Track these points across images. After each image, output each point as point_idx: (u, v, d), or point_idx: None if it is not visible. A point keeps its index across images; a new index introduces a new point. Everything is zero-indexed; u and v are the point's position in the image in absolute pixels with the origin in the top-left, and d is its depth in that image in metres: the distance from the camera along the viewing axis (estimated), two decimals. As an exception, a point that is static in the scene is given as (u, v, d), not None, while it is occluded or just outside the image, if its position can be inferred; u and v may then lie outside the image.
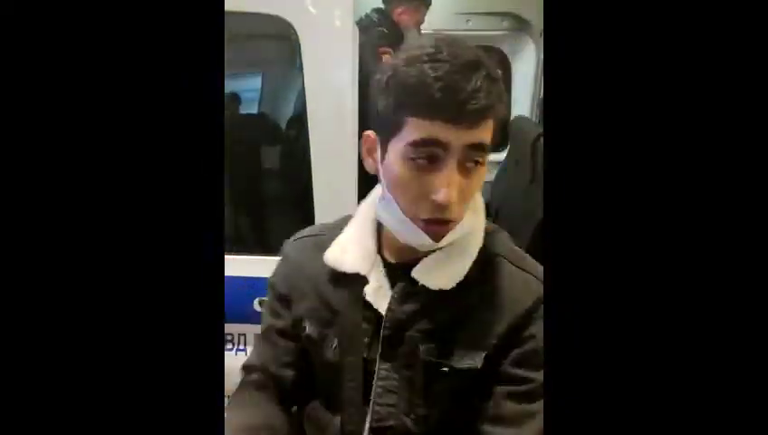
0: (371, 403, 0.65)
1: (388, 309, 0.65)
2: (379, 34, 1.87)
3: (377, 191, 0.68)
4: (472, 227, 0.65)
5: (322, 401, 0.71)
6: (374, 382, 0.65)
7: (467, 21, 2.60)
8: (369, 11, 1.98)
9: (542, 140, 2.14)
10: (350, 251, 0.67)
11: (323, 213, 1.19)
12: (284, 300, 0.72)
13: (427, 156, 0.56)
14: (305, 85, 1.16)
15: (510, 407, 0.62)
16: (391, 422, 0.65)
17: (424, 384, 0.65)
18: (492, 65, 0.57)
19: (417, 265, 0.64)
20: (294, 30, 1.14)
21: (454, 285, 0.63)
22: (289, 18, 1.13)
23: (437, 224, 0.59)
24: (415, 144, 0.55)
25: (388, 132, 0.58)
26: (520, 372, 0.62)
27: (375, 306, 0.65)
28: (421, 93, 0.54)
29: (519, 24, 2.61)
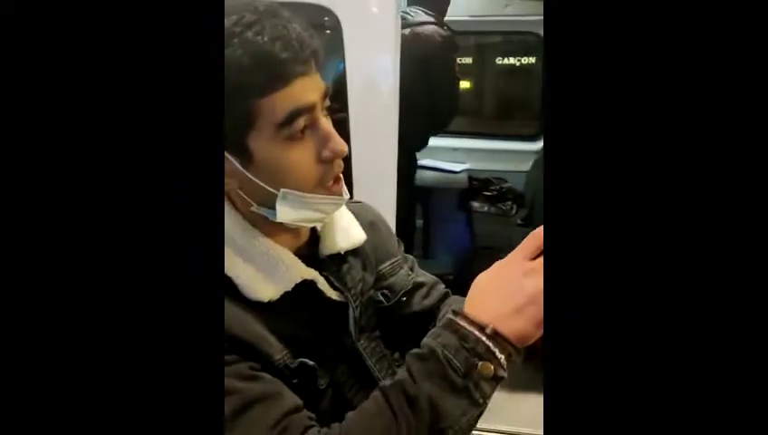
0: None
1: (349, 289, 0.61)
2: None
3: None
4: None
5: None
6: (371, 365, 0.62)
7: (506, 6, 2.56)
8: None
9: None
10: (271, 269, 0.55)
11: (362, 197, 1.21)
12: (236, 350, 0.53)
13: (301, 127, 0.50)
14: (347, 71, 1.17)
15: (424, 279, 0.74)
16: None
17: (396, 326, 0.68)
18: None
19: (325, 238, 0.62)
20: (336, 17, 1.16)
21: (364, 236, 0.65)
22: (329, 5, 1.15)
23: (341, 179, 0.55)
24: (285, 122, 0.49)
25: (238, 135, 0.50)
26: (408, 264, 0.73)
27: (335, 298, 0.59)
28: (262, 66, 0.47)
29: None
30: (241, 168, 0.52)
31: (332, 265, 0.62)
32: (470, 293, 0.53)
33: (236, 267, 0.54)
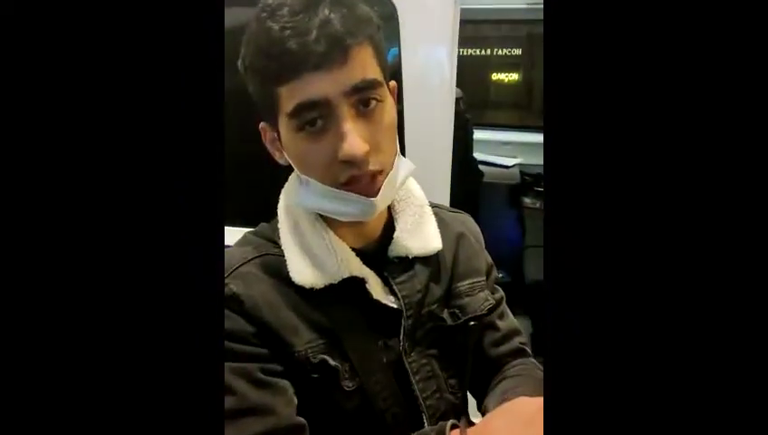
0: (421, 403, 0.58)
1: (405, 296, 0.58)
2: None
3: (290, 188, 0.60)
4: (407, 176, 0.58)
5: None
6: (413, 381, 0.58)
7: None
8: None
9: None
10: (323, 258, 0.55)
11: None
12: (261, 338, 0.53)
13: (310, 120, 0.49)
14: (402, 61, 1.15)
15: (502, 324, 0.69)
16: (443, 408, 0.61)
17: (457, 350, 0.63)
18: None
19: (396, 239, 0.59)
20: (392, 5, 1.14)
21: (440, 244, 0.62)
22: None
23: (363, 181, 0.51)
24: (293, 114, 0.49)
25: (271, 114, 0.52)
26: (495, 295, 0.69)
27: (384, 302, 0.57)
28: (273, 55, 0.47)
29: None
30: (278, 142, 0.55)
31: (397, 267, 0.60)
32: (481, 427, 0.46)
33: (291, 248, 0.56)
